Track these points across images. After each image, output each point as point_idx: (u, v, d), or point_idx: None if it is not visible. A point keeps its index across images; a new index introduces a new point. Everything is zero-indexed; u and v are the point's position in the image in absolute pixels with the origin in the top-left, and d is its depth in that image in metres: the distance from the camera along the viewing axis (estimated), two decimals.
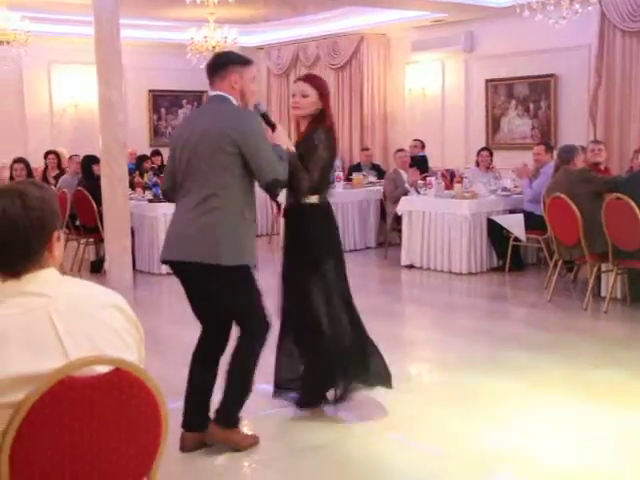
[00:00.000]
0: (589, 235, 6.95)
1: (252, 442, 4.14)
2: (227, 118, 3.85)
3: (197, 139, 3.85)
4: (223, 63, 3.96)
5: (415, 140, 12.33)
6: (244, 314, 4.00)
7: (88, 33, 8.65)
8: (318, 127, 4.38)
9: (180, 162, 3.93)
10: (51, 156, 11.66)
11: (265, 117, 4.10)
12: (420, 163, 11.33)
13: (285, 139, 4.14)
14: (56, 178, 10.84)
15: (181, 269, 3.99)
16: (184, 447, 4.07)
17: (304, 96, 4.39)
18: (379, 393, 4.89)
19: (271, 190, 4.05)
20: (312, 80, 4.53)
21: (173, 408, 4.35)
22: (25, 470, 1.97)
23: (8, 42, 11.14)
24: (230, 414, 4.05)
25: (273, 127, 4.10)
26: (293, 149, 4.19)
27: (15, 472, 1.95)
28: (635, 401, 4.81)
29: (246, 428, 4.27)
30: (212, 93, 3.99)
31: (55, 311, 2.06)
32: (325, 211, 4.53)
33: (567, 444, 4.19)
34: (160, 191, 4.12)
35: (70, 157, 11.35)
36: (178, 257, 3.92)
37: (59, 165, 11.59)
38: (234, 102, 3.92)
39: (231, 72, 3.91)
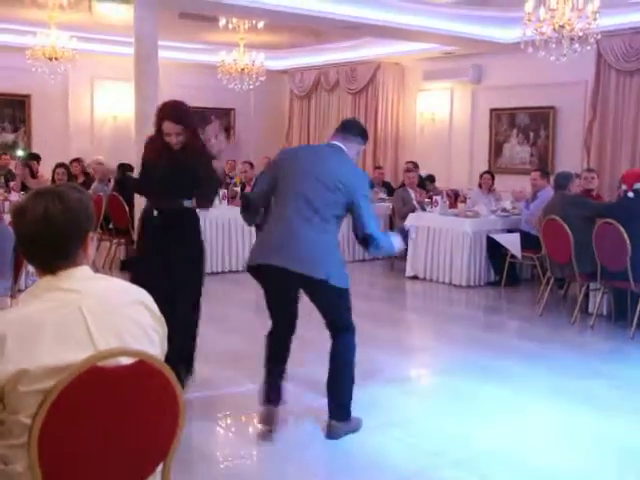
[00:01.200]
0: (579, 255, 6.93)
1: (360, 423, 4.27)
2: (351, 169, 4.16)
3: (324, 172, 4.03)
4: (362, 133, 4.32)
5: (407, 162, 12.06)
6: (344, 320, 4.15)
7: (128, 52, 8.71)
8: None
9: (297, 182, 4.05)
10: (74, 163, 10.83)
11: (403, 232, 4.51)
12: (422, 181, 11.29)
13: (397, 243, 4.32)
14: (82, 184, 9.68)
15: (278, 274, 3.98)
16: (265, 420, 4.21)
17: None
18: (381, 393, 4.88)
19: (362, 241, 4.14)
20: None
21: (193, 398, 4.39)
22: (53, 451, 1.97)
23: (57, 58, 11.24)
24: (347, 407, 4.16)
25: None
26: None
27: (43, 453, 1.95)
28: (613, 410, 4.78)
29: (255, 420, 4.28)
30: (334, 141, 4.20)
31: (86, 306, 2.06)
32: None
33: (550, 447, 4.16)
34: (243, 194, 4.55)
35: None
36: (282, 264, 3.94)
37: (83, 171, 10.79)
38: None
39: (360, 143, 4.32)
